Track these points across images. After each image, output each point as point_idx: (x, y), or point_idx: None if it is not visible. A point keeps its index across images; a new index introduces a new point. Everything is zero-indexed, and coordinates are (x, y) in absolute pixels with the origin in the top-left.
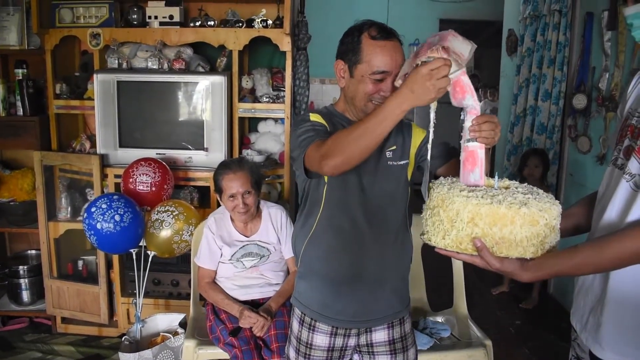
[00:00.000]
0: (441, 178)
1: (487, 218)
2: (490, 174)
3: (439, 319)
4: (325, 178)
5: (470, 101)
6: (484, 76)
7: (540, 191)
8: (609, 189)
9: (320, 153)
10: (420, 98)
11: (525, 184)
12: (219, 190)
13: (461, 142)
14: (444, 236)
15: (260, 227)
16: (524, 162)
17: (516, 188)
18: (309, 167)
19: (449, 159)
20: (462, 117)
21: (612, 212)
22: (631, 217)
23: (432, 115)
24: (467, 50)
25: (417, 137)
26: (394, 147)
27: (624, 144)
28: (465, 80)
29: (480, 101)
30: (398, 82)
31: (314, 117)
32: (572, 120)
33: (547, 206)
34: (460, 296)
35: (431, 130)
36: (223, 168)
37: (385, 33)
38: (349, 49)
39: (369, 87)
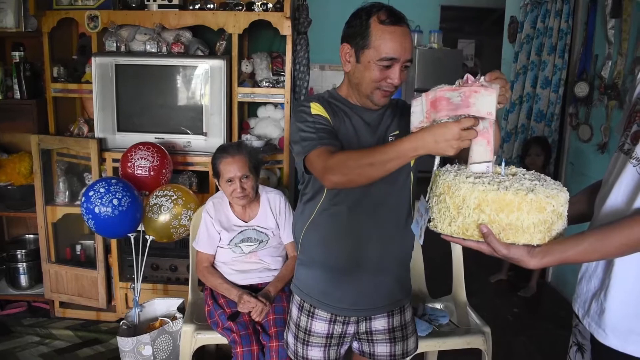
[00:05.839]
0: (447, 165)
1: (493, 204)
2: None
3: (438, 305)
4: None
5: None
6: (484, 65)
7: (548, 178)
8: (614, 174)
9: (323, 165)
10: (439, 150)
11: (533, 171)
12: (217, 174)
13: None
14: (450, 223)
15: (258, 212)
16: (526, 150)
17: (523, 175)
18: (309, 168)
19: None
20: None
21: (617, 198)
22: (638, 203)
23: (437, 161)
24: (492, 103)
25: None
26: (397, 132)
27: (632, 129)
28: (489, 132)
29: None
30: (414, 129)
31: (316, 110)
32: (573, 108)
33: (554, 193)
34: (459, 283)
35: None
36: (221, 152)
37: (395, 17)
38: (356, 32)
39: (375, 74)
